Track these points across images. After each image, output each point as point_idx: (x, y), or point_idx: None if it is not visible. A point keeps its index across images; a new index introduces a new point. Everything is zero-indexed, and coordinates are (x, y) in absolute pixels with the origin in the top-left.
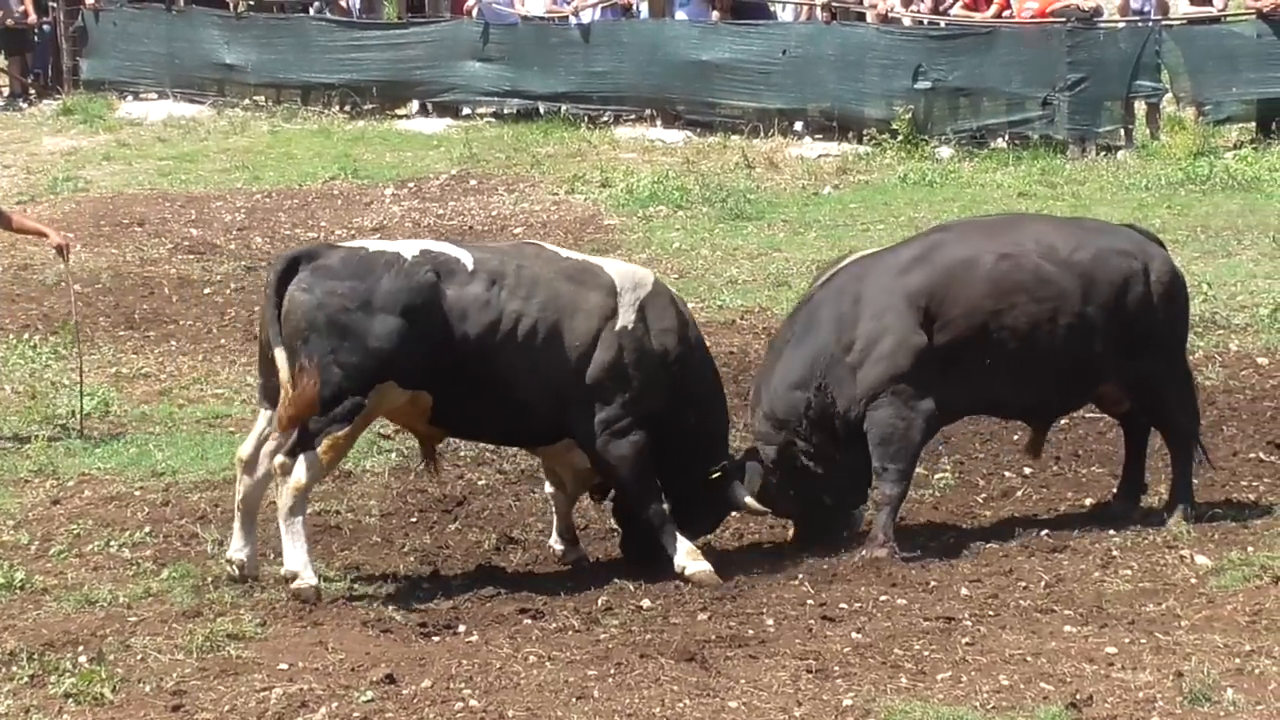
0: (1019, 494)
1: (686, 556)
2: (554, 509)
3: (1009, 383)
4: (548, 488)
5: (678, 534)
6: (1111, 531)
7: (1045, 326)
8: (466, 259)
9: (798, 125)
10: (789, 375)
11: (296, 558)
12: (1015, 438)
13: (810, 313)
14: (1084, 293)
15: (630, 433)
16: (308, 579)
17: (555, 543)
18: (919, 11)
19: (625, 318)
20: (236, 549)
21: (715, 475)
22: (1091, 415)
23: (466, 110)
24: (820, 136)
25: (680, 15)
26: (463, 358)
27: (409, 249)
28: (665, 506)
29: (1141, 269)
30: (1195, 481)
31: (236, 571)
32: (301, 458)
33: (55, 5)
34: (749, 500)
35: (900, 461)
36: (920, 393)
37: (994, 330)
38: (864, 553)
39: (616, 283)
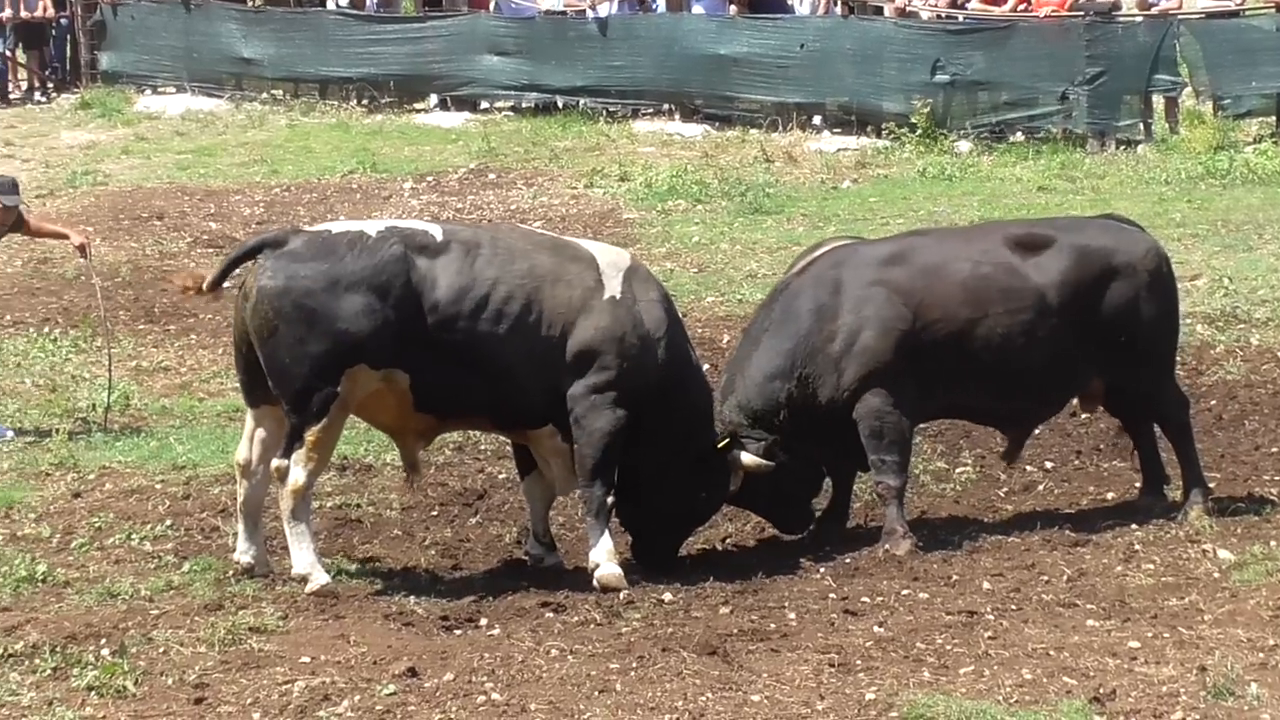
0: (1041, 488)
1: (605, 555)
2: (529, 509)
3: (983, 390)
4: (522, 489)
5: (606, 533)
6: (1134, 526)
7: (1021, 335)
8: (436, 231)
9: (816, 119)
10: (767, 366)
11: (304, 559)
12: (1036, 432)
13: (787, 302)
14: (1062, 297)
15: (614, 407)
16: (319, 579)
17: (531, 548)
18: (937, 5)
19: (613, 288)
20: (242, 551)
21: (724, 444)
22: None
23: (485, 104)
24: (839, 131)
25: (698, 9)
26: (437, 329)
27: (374, 226)
28: (610, 500)
29: (1123, 264)
30: (1216, 475)
31: (245, 573)
32: (294, 459)
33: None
34: (753, 459)
35: (897, 452)
36: (906, 382)
37: (969, 338)
38: (885, 548)
39: (596, 256)
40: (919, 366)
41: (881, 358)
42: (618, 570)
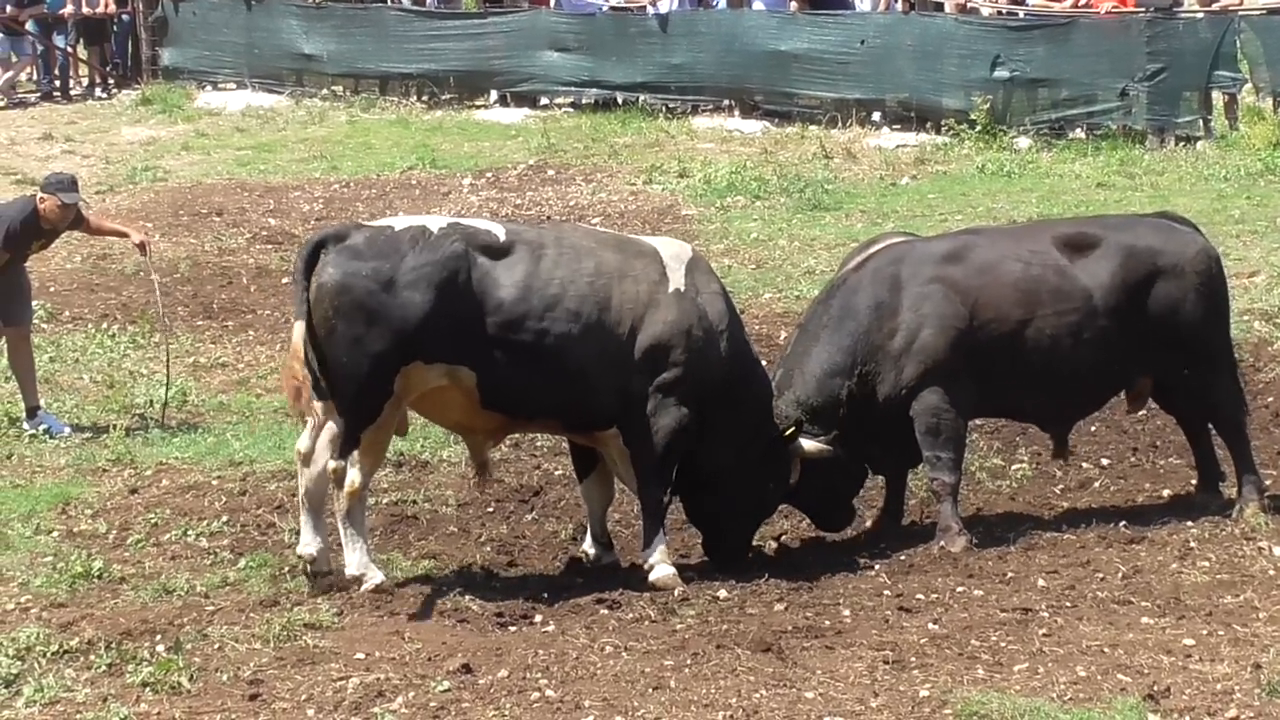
0: (1096, 485)
1: (660, 555)
2: (588, 510)
3: (1033, 388)
4: (580, 490)
5: (663, 534)
6: (1189, 523)
7: (1071, 334)
8: (499, 230)
9: (875, 115)
10: (828, 362)
11: (358, 560)
12: (1092, 429)
13: (845, 298)
14: (1112, 295)
15: (680, 406)
16: (374, 578)
17: (589, 547)
18: (997, 1)
19: (677, 281)
20: (306, 544)
21: (790, 431)
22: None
23: (544, 100)
24: (898, 127)
25: (758, 5)
26: (504, 328)
27: (436, 223)
28: (667, 500)
29: (1172, 263)
30: (1272, 473)
31: (308, 568)
32: (350, 460)
33: None
34: (813, 444)
35: (952, 449)
36: (963, 380)
37: (1020, 338)
38: (940, 544)
39: (659, 249)
40: (974, 364)
41: (940, 355)
42: (672, 570)
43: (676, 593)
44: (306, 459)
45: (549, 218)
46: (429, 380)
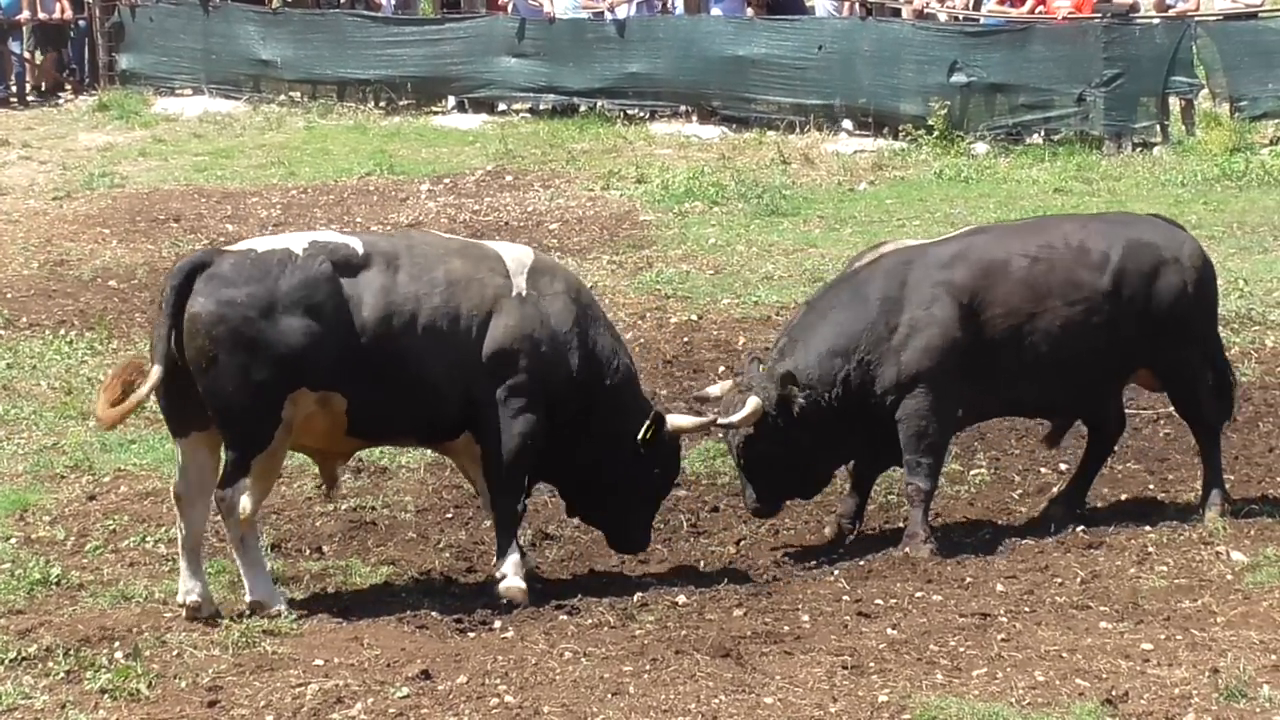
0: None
1: (511, 566)
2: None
3: (1040, 383)
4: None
5: (516, 545)
6: (1147, 528)
7: (1077, 327)
8: (357, 244)
9: (834, 121)
10: (832, 340)
11: (260, 586)
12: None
13: (857, 286)
14: (1116, 291)
15: (526, 413)
16: (277, 605)
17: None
18: (954, 7)
19: (519, 286)
20: (188, 591)
21: (649, 430)
22: (1127, 412)
23: (502, 106)
24: (856, 132)
25: (716, 11)
26: (369, 347)
27: (298, 242)
28: (521, 509)
29: (1172, 259)
30: (1230, 477)
31: (194, 615)
32: (238, 488)
33: (91, 1)
34: (684, 420)
35: (934, 456)
36: (955, 388)
37: (1028, 332)
38: (905, 549)
39: (502, 254)
40: (977, 366)
41: (939, 359)
42: (522, 584)
43: (635, 598)
44: (183, 503)
45: (506, 224)
46: (307, 408)
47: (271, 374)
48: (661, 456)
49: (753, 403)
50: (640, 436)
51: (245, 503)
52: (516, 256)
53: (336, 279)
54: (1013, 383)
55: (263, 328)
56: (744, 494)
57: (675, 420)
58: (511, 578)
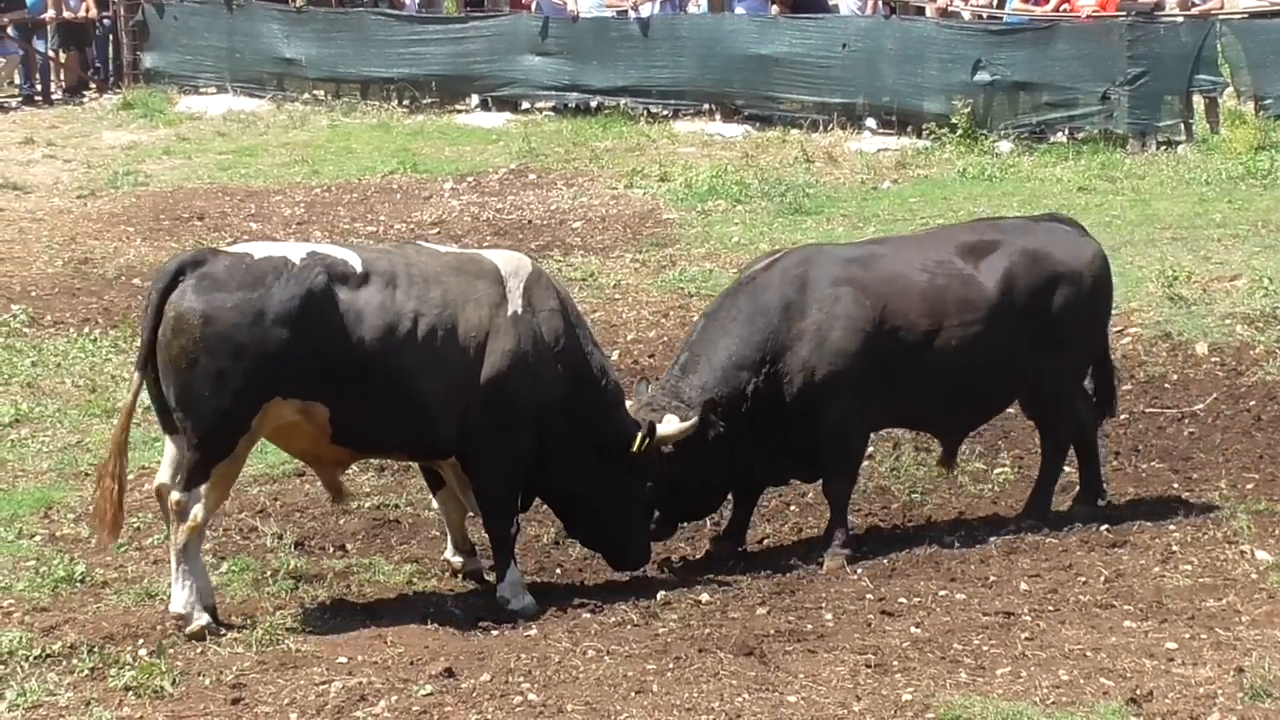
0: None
1: (511, 589)
2: (446, 522)
3: (933, 398)
4: (435, 502)
5: (514, 563)
6: (1171, 527)
7: (974, 341)
8: (355, 259)
9: (858, 120)
10: (737, 354)
11: (184, 599)
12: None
13: (755, 294)
14: (1009, 303)
15: (518, 434)
16: (198, 620)
17: (451, 555)
18: (978, 6)
19: (515, 303)
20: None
21: (643, 441)
22: (1151, 410)
23: (526, 105)
24: (879, 131)
25: (739, 10)
26: (360, 363)
27: (296, 253)
28: (514, 530)
29: (1067, 269)
30: (1255, 476)
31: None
32: (195, 495)
33: (116, 0)
34: (674, 427)
35: (853, 460)
36: (868, 390)
37: (925, 348)
38: (826, 563)
39: (499, 267)
40: (880, 373)
41: (849, 361)
42: (531, 600)
43: (658, 596)
44: (178, 509)
45: (529, 223)
46: (283, 415)
47: (248, 382)
48: (652, 468)
49: (692, 420)
50: (634, 448)
51: (198, 510)
52: (513, 269)
53: (331, 292)
54: (909, 396)
55: (249, 334)
56: None
57: (663, 429)
58: (517, 599)
